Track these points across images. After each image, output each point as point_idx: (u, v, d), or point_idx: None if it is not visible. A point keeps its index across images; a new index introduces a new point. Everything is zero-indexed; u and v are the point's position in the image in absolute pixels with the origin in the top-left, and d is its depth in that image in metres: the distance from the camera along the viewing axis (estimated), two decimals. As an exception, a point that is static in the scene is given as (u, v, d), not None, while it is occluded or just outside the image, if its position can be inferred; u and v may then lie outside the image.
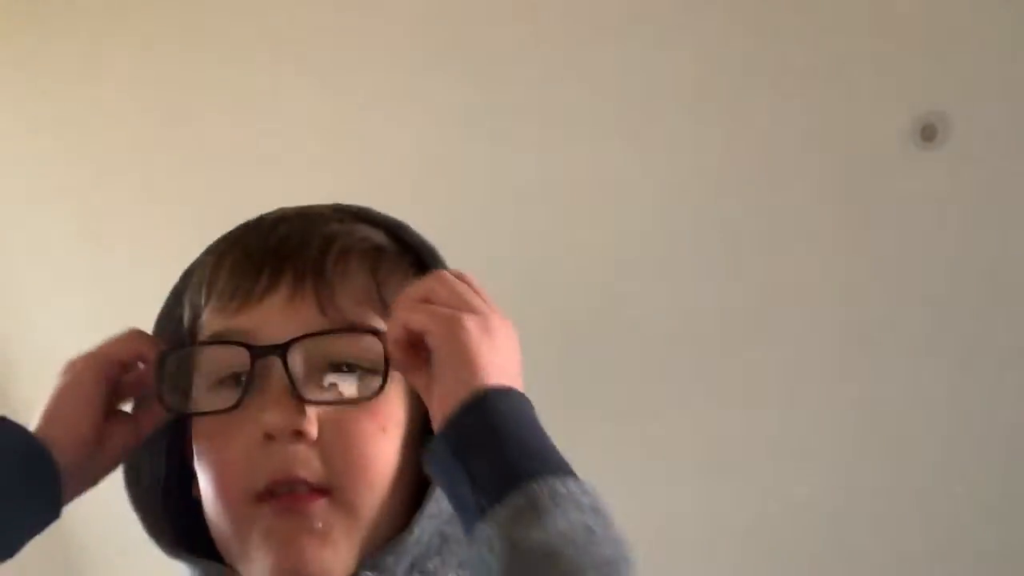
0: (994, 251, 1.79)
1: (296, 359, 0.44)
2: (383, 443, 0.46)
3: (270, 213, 0.52)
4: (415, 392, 0.46)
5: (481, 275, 0.46)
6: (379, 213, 0.54)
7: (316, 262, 0.47)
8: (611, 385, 1.73)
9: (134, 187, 1.46)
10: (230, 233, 0.52)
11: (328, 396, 0.45)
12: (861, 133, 1.67)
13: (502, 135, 1.54)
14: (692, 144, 1.60)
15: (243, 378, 0.45)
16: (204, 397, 0.48)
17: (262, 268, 0.47)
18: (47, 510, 0.47)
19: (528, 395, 0.43)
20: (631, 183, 1.60)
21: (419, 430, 0.48)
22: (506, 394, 0.42)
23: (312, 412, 0.44)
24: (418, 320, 0.43)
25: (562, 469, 0.40)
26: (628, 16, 1.52)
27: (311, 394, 0.44)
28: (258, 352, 0.44)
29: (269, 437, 0.43)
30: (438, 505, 0.45)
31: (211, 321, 0.48)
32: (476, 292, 0.46)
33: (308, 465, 0.44)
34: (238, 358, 0.45)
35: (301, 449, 0.44)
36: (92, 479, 0.50)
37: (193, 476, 0.48)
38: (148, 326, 1.39)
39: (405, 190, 1.51)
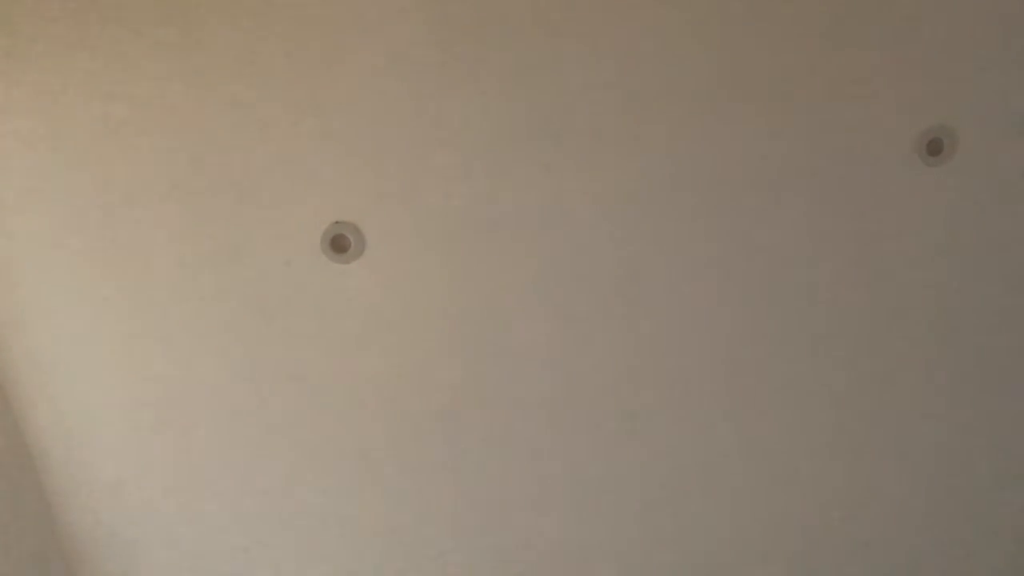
0: (1000, 264, 1.80)
1: None
2: None
3: None
4: None
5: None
6: None
7: None
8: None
9: (139, 194, 1.45)
10: None
11: None
12: (867, 148, 1.67)
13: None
14: (694, 155, 1.60)
15: None
16: None
17: None
18: None
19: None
20: (635, 189, 1.60)
21: None
22: None
23: None
24: None
25: None
26: (634, 19, 1.52)
27: None
28: None
29: None
30: None
31: None
32: None
33: None
34: None
35: None
36: None
37: None
38: (146, 314, 1.36)
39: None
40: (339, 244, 1.52)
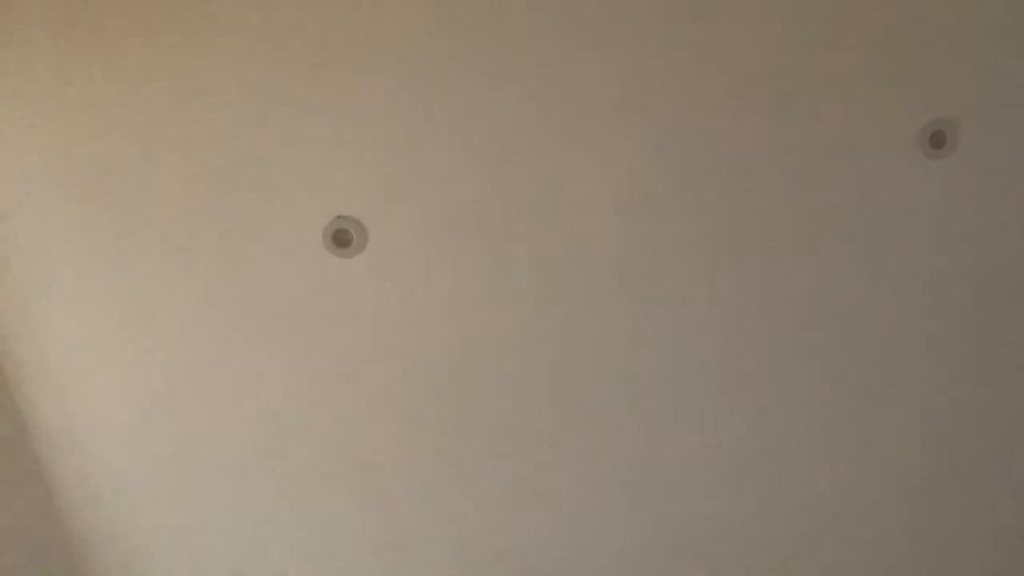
0: (1002, 257, 1.79)
1: None
2: None
3: None
4: None
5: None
6: None
7: None
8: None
9: (142, 194, 1.47)
10: None
11: None
12: (870, 140, 1.67)
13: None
14: (697, 150, 1.60)
15: None
16: None
17: None
18: None
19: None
20: (637, 186, 1.60)
21: None
22: None
23: None
24: None
25: None
26: (632, 21, 1.53)
27: None
28: None
29: None
30: None
31: None
32: None
33: None
34: None
35: None
36: None
37: None
38: (150, 313, 1.36)
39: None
40: (341, 239, 1.53)
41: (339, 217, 1.52)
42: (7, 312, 1.50)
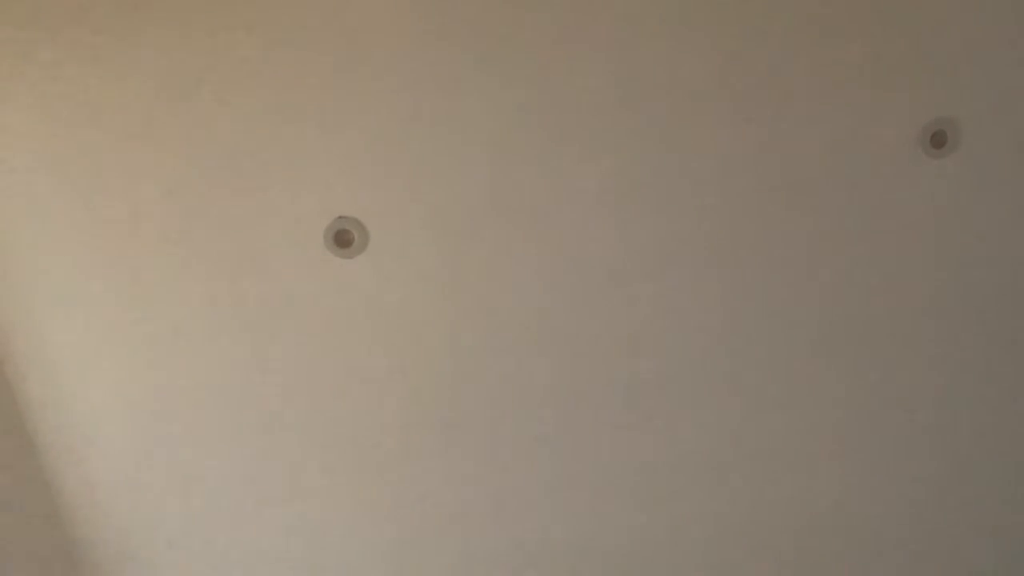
0: (1003, 257, 1.79)
1: None
2: None
3: None
4: None
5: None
6: None
7: None
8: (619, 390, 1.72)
9: (142, 194, 1.47)
10: None
11: None
12: (871, 140, 1.67)
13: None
14: (697, 149, 1.61)
15: None
16: None
17: None
18: None
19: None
20: (638, 184, 1.61)
21: None
22: None
23: None
24: None
25: None
26: (632, 21, 1.53)
27: None
28: None
29: None
30: None
31: None
32: None
33: None
34: None
35: None
36: None
37: None
38: (151, 313, 1.36)
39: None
40: (343, 239, 1.53)
41: (340, 217, 1.52)
42: (7, 313, 1.50)
